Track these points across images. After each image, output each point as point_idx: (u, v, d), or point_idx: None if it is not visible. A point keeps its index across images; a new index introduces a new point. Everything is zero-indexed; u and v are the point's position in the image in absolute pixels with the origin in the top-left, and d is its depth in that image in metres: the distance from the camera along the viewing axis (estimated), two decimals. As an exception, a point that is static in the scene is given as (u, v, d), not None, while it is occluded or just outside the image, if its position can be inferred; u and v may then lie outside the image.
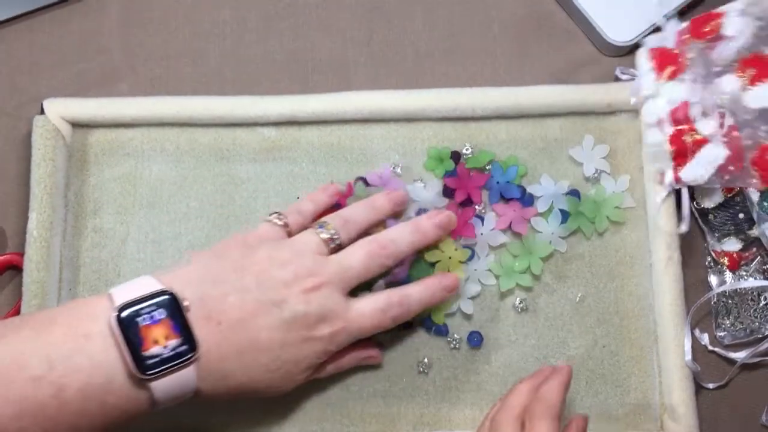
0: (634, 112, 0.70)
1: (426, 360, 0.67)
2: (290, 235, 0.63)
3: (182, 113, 0.70)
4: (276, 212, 0.64)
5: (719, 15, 0.67)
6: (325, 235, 0.61)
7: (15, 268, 0.69)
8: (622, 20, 0.72)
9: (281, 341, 0.58)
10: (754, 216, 0.67)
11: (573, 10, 0.73)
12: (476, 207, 0.69)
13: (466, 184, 0.69)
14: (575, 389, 0.66)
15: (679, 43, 0.68)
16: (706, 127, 0.65)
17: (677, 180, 0.65)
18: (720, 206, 0.67)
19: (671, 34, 0.69)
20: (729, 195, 0.67)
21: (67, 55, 0.74)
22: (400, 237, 0.63)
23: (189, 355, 0.54)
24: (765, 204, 0.67)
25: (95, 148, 0.71)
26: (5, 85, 0.73)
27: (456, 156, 0.69)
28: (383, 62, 0.74)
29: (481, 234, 0.68)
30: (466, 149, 0.70)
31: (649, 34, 0.72)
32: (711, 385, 0.67)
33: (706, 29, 0.67)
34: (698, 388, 0.66)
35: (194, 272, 0.58)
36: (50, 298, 0.66)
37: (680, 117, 0.66)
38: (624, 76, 0.71)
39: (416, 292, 0.62)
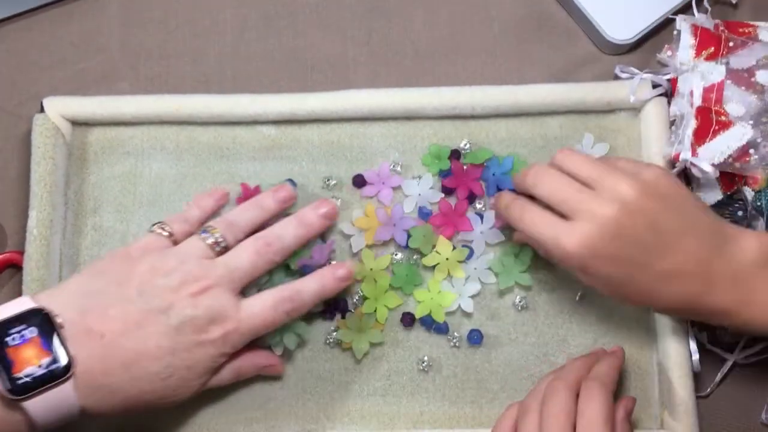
0: (634, 110, 0.70)
1: (426, 358, 0.67)
2: (176, 243, 0.62)
3: (182, 111, 0.70)
4: (159, 222, 0.63)
5: (754, 25, 0.70)
6: (210, 240, 0.61)
7: (15, 266, 0.69)
8: (622, 18, 0.72)
9: (171, 348, 0.57)
10: (748, 214, 0.67)
11: (573, 8, 0.73)
12: (477, 204, 0.69)
13: (463, 180, 0.69)
14: (575, 387, 0.66)
15: (717, 29, 0.69)
16: (735, 110, 0.67)
17: (694, 154, 0.66)
18: (719, 204, 0.67)
19: (707, 22, 0.70)
20: (728, 193, 0.67)
21: (67, 54, 0.74)
22: (286, 231, 0.63)
23: (64, 373, 0.54)
24: (758, 203, 0.67)
25: (95, 146, 0.71)
26: (5, 84, 0.73)
27: (455, 155, 0.70)
28: (383, 61, 0.74)
29: (481, 233, 0.68)
30: (465, 144, 0.70)
31: (648, 33, 0.72)
32: (710, 385, 0.67)
33: (742, 30, 0.69)
34: (698, 387, 0.66)
35: (73, 288, 0.58)
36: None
37: (713, 96, 0.67)
38: (624, 75, 0.71)
39: (308, 286, 0.63)
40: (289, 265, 0.65)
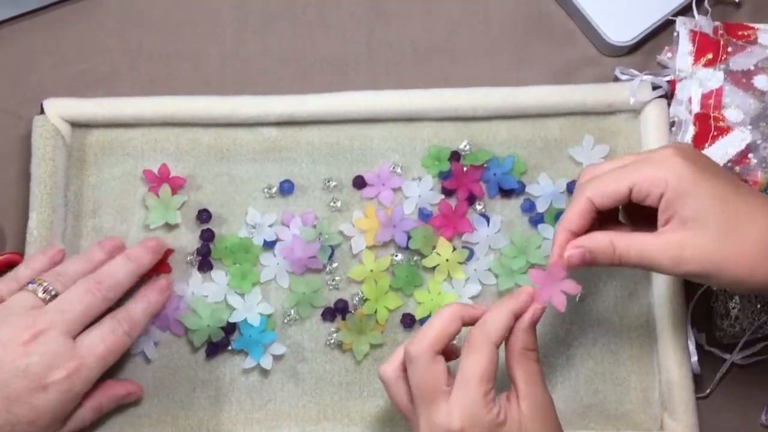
0: (634, 112, 0.70)
1: (426, 359, 0.67)
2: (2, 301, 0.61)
3: (182, 113, 0.70)
4: None
5: (754, 28, 0.70)
6: (39, 291, 0.60)
7: (14, 268, 0.68)
8: (622, 20, 0.72)
9: (5, 406, 0.56)
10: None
11: (573, 10, 0.73)
12: (477, 206, 0.69)
13: (463, 181, 0.69)
14: (575, 388, 0.66)
15: (716, 35, 0.69)
16: (734, 116, 0.67)
17: None
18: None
19: (707, 24, 0.70)
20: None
21: (67, 55, 0.74)
22: (115, 268, 0.63)
23: None
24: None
25: (95, 147, 0.71)
26: (5, 85, 0.73)
27: (455, 156, 0.70)
28: (383, 62, 0.74)
29: (486, 236, 0.68)
30: (464, 145, 0.70)
31: (648, 35, 0.72)
32: (710, 385, 0.67)
33: (742, 33, 0.69)
34: (698, 388, 0.66)
35: None
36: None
37: (711, 102, 0.67)
38: (624, 77, 0.71)
39: (138, 306, 0.63)
40: None
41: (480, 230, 0.69)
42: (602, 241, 0.56)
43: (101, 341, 0.60)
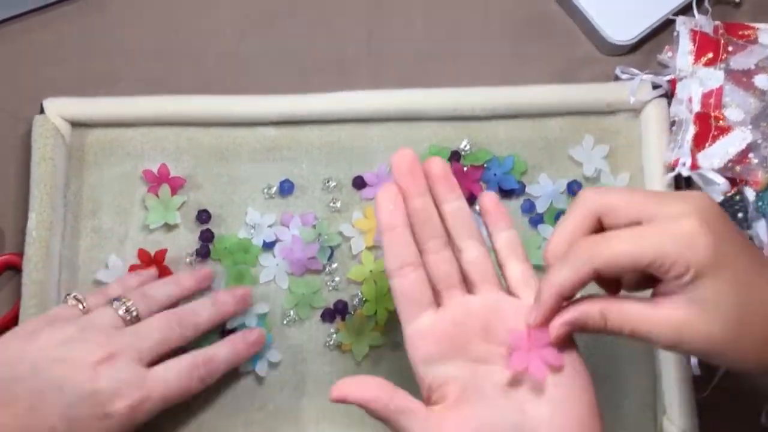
0: (634, 111, 0.70)
1: (426, 360, 0.67)
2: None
3: (182, 113, 0.70)
4: (74, 293, 0.61)
5: (754, 27, 0.70)
6: (121, 309, 0.59)
7: (14, 269, 0.68)
8: (622, 20, 0.72)
9: (67, 423, 0.54)
10: (749, 215, 0.67)
11: (573, 9, 0.73)
12: (477, 207, 0.69)
13: (463, 181, 0.69)
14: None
15: (716, 34, 0.69)
16: (735, 115, 0.67)
17: (694, 163, 0.66)
18: (719, 205, 0.67)
19: (707, 24, 0.70)
20: (728, 194, 0.67)
21: (67, 55, 0.74)
22: (201, 309, 0.62)
23: None
24: (760, 204, 0.67)
25: (95, 147, 0.71)
26: (5, 85, 0.73)
27: (455, 157, 0.70)
28: (383, 62, 0.74)
29: (485, 236, 0.68)
30: (465, 145, 0.70)
31: (649, 34, 0.72)
32: (709, 386, 0.67)
33: (742, 33, 0.69)
34: (697, 388, 0.66)
35: None
36: (49, 299, 0.66)
37: (711, 101, 0.67)
38: (624, 76, 0.71)
39: (221, 353, 0.61)
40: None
41: (480, 229, 0.68)
42: (592, 312, 0.49)
43: (176, 379, 0.58)
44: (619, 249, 0.47)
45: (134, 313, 0.60)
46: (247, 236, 0.69)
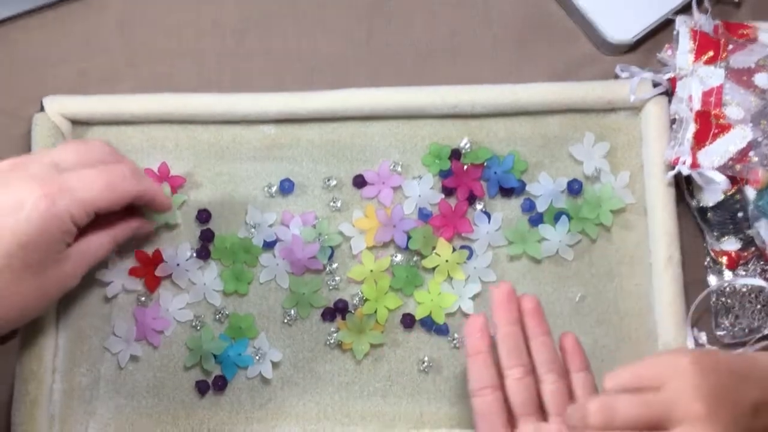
0: (635, 109, 0.70)
1: (426, 359, 0.67)
2: None
3: (182, 111, 0.70)
4: None
5: (754, 26, 0.70)
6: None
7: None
8: (621, 19, 0.72)
9: None
10: (750, 214, 0.67)
11: (572, 9, 0.73)
12: (477, 206, 0.69)
13: (463, 180, 0.69)
14: (575, 388, 0.67)
15: (716, 33, 0.69)
16: (735, 113, 0.67)
17: (694, 162, 0.66)
18: (719, 205, 0.68)
19: (707, 23, 0.70)
20: (728, 194, 0.67)
21: (67, 54, 0.74)
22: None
23: None
24: (760, 203, 0.67)
25: (95, 146, 0.71)
26: (5, 84, 0.73)
27: (455, 155, 0.70)
28: (383, 61, 0.74)
29: (486, 233, 0.68)
30: (465, 143, 0.70)
31: (648, 33, 0.72)
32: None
33: (742, 32, 0.69)
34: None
35: None
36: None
37: (712, 100, 0.67)
38: (624, 74, 0.71)
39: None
40: None
41: (480, 226, 0.69)
42: None
43: (96, 173, 0.58)
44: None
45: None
46: (248, 235, 0.69)
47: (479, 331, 0.58)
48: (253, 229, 0.69)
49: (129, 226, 0.64)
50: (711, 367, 0.51)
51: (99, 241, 0.61)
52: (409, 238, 0.68)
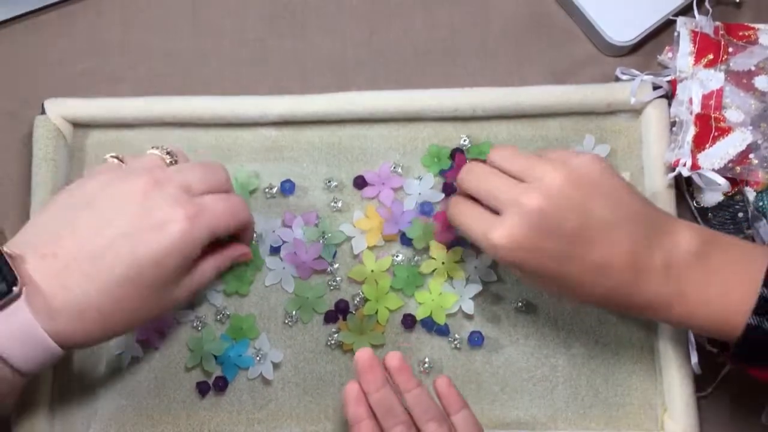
0: (635, 112, 0.70)
1: (427, 360, 0.67)
2: None
3: (183, 113, 0.70)
4: (111, 154, 0.62)
5: (754, 28, 0.70)
6: (162, 152, 0.61)
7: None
8: (623, 20, 0.72)
9: (128, 241, 0.55)
10: (750, 215, 0.67)
11: (573, 10, 0.73)
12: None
13: None
14: (576, 388, 0.67)
15: (717, 35, 0.69)
16: (735, 116, 0.67)
17: (694, 164, 0.66)
18: (719, 206, 0.68)
19: (708, 25, 0.70)
20: (728, 194, 0.68)
21: (67, 56, 0.74)
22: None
23: (9, 291, 0.52)
24: (760, 203, 0.67)
25: (96, 148, 0.71)
26: (6, 85, 0.73)
27: (455, 155, 0.70)
28: (383, 62, 0.74)
29: None
30: (464, 140, 0.70)
31: (649, 35, 0.72)
32: (710, 385, 0.67)
33: (742, 34, 0.69)
34: (698, 388, 0.66)
35: (29, 226, 0.57)
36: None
37: (712, 103, 0.67)
38: (624, 77, 0.71)
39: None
40: None
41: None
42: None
43: (222, 200, 0.60)
44: (456, 215, 0.60)
45: (175, 157, 0.62)
46: (253, 244, 0.68)
47: (355, 399, 0.60)
48: (258, 237, 0.69)
49: (232, 254, 0.64)
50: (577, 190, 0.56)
51: (206, 268, 0.61)
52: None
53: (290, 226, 0.69)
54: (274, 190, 0.70)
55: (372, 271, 0.68)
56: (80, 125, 0.71)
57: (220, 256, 0.63)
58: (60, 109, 0.69)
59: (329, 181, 0.70)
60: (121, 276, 0.55)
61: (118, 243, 0.55)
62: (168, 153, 0.61)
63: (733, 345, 0.56)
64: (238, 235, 0.64)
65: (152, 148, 0.62)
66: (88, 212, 0.56)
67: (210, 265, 0.61)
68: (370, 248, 0.68)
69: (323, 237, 0.68)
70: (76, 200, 0.57)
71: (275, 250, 0.69)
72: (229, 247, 0.64)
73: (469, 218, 0.59)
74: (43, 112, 0.70)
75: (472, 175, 0.59)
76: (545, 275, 0.57)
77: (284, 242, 0.69)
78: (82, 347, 0.57)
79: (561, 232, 0.55)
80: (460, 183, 0.60)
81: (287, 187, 0.69)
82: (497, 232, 0.56)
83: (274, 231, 0.69)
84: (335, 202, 0.69)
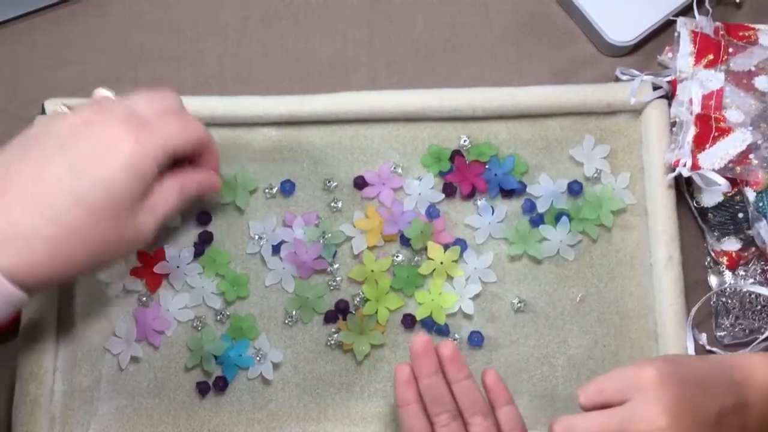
0: (635, 112, 0.70)
1: (427, 360, 0.67)
2: None
3: (183, 113, 0.70)
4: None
5: (754, 28, 0.70)
6: (109, 90, 0.62)
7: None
8: (622, 20, 0.72)
9: (75, 168, 0.54)
10: (750, 215, 0.67)
11: (573, 10, 0.73)
12: (478, 201, 0.69)
13: (466, 175, 0.69)
14: (576, 388, 0.66)
15: (717, 36, 0.69)
16: (735, 117, 0.67)
17: (694, 164, 0.66)
18: (719, 206, 0.68)
19: (708, 25, 0.70)
20: (728, 194, 0.68)
21: (67, 56, 0.74)
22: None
23: None
24: (760, 204, 0.67)
25: (96, 148, 0.71)
26: (6, 86, 0.73)
27: (457, 155, 0.70)
28: (383, 62, 0.74)
29: (489, 223, 0.69)
30: (464, 140, 0.70)
31: (649, 35, 0.72)
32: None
33: (742, 34, 0.69)
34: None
35: None
36: (49, 299, 0.67)
37: (712, 103, 0.67)
38: (624, 77, 0.71)
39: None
40: None
41: (484, 216, 0.69)
42: None
43: (173, 117, 0.59)
44: None
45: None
46: (255, 250, 0.69)
47: (406, 382, 0.59)
48: (261, 241, 0.69)
49: (193, 177, 0.61)
50: (674, 378, 0.53)
51: (168, 190, 0.58)
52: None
53: (290, 226, 0.69)
54: (274, 190, 0.70)
55: (372, 271, 0.68)
56: (80, 125, 0.70)
57: (183, 176, 0.60)
58: (60, 109, 0.69)
59: (329, 181, 0.70)
60: (70, 202, 0.54)
61: (63, 172, 0.54)
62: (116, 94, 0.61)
63: None
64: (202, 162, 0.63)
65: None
66: (33, 148, 0.55)
67: (172, 186, 0.59)
68: (370, 248, 0.68)
69: (323, 237, 0.68)
70: (22, 140, 0.56)
71: (275, 250, 0.68)
72: (188, 171, 0.61)
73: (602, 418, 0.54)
74: (43, 112, 0.69)
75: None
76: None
77: (284, 242, 0.68)
78: (40, 285, 0.55)
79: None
80: None
81: (287, 188, 0.69)
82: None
83: (273, 230, 0.69)
84: (335, 202, 0.69)
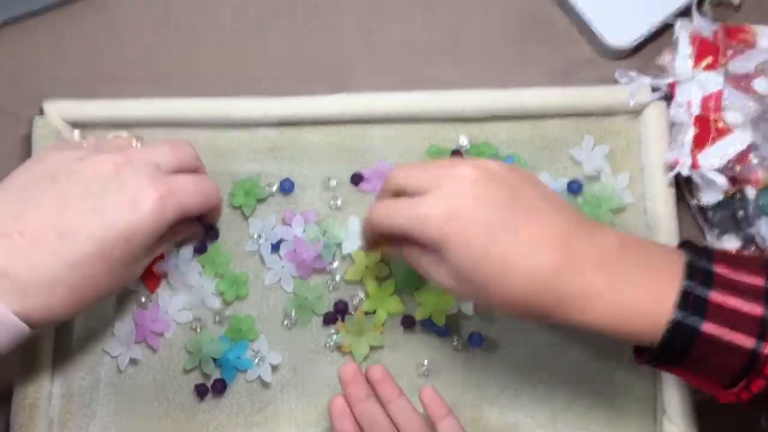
0: (634, 113, 0.70)
1: (426, 362, 0.67)
2: None
3: (182, 114, 0.70)
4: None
5: (753, 31, 0.70)
6: (127, 135, 0.62)
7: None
8: (621, 24, 0.72)
9: (97, 216, 0.55)
10: (750, 213, 0.67)
11: (572, 13, 0.73)
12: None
13: None
14: (575, 390, 0.66)
15: (715, 38, 0.69)
16: (734, 118, 0.67)
17: (694, 163, 0.66)
18: (719, 205, 0.68)
19: (706, 27, 0.70)
20: (729, 193, 0.68)
21: (67, 56, 0.74)
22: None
23: None
24: (761, 202, 0.67)
25: (95, 148, 0.71)
26: (6, 86, 0.73)
27: (457, 155, 0.70)
28: (382, 63, 0.74)
29: None
30: (464, 141, 0.70)
31: (648, 38, 0.72)
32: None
33: (741, 36, 0.69)
34: (697, 391, 0.66)
35: None
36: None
37: (711, 105, 0.67)
38: (623, 80, 0.71)
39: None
40: None
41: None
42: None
43: (193, 181, 0.61)
44: (381, 214, 0.56)
45: (140, 141, 0.63)
46: (254, 249, 0.68)
47: (340, 414, 0.60)
48: (260, 239, 0.69)
49: (190, 230, 0.66)
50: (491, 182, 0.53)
51: (167, 238, 0.61)
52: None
53: (290, 224, 0.69)
54: (273, 189, 0.70)
55: (366, 267, 0.67)
56: (79, 126, 0.70)
57: (179, 233, 0.64)
58: (59, 109, 0.69)
59: (328, 180, 0.70)
60: (92, 253, 0.55)
61: (88, 219, 0.55)
62: (135, 137, 0.63)
63: (659, 343, 0.52)
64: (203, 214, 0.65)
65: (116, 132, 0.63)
66: (53, 188, 0.56)
67: (171, 235, 0.62)
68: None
69: (324, 235, 0.68)
70: (38, 176, 0.57)
71: (275, 248, 0.68)
72: (189, 224, 0.65)
73: (396, 209, 0.54)
74: (41, 112, 0.69)
75: (394, 176, 0.56)
76: (472, 255, 0.51)
77: (283, 240, 0.68)
78: (50, 325, 0.57)
79: (495, 203, 0.52)
80: (373, 218, 0.57)
81: (286, 186, 0.69)
82: (427, 201, 0.52)
83: (273, 228, 0.69)
84: (335, 199, 0.69)
